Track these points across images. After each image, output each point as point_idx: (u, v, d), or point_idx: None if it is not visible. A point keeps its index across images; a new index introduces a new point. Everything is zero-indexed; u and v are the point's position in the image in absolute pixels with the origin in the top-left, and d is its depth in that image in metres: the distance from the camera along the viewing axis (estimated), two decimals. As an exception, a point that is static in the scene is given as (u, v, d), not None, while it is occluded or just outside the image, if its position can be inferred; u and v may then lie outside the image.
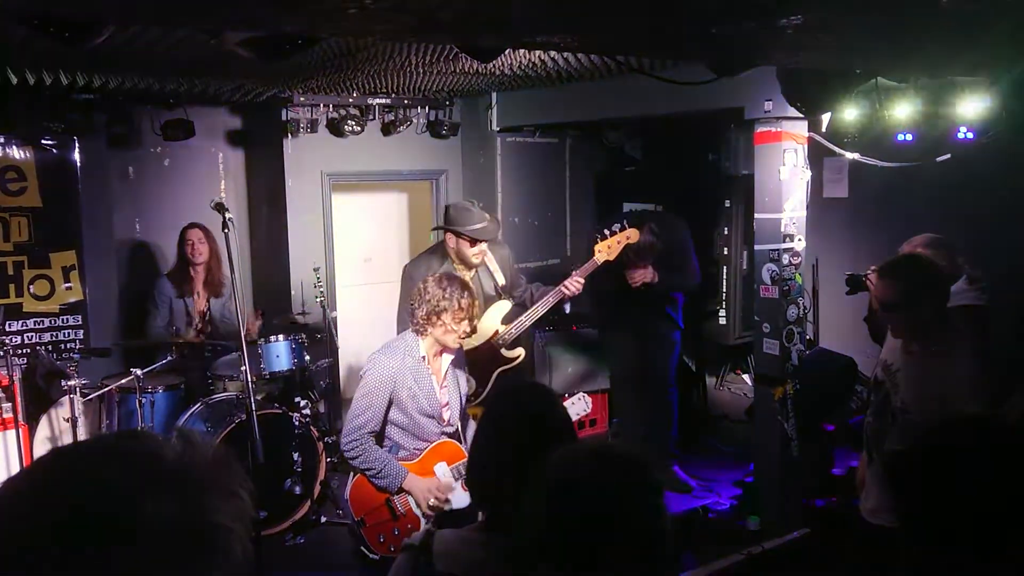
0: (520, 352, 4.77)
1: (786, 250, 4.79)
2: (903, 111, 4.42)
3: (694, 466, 5.80)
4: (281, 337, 5.37)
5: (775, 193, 4.78)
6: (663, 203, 6.52)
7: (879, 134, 4.90)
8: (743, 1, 2.51)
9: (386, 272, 7.34)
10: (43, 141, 5.75)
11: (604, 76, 5.15)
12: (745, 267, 6.32)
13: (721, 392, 7.49)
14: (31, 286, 5.80)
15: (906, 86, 4.32)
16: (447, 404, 3.63)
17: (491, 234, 4.62)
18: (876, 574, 3.05)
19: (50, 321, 5.89)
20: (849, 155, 5.18)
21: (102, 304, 6.07)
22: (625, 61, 4.40)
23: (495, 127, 6.76)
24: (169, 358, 5.16)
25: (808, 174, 4.83)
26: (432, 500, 3.45)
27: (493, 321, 4.70)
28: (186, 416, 4.98)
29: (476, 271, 4.69)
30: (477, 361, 4.55)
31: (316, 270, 5.87)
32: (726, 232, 6.47)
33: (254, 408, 4.09)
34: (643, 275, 5.21)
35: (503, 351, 4.70)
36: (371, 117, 6.47)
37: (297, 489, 5.01)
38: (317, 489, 5.19)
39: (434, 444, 3.58)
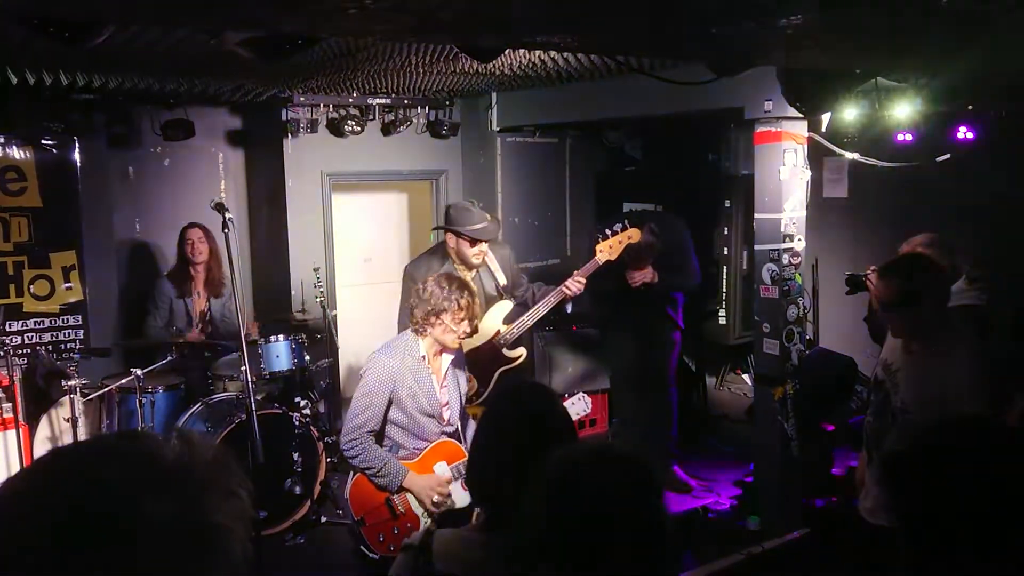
0: (522, 352, 4.77)
1: (786, 250, 4.79)
2: (903, 111, 4.42)
3: (694, 466, 5.80)
4: (281, 337, 5.36)
5: (775, 193, 4.78)
6: (663, 203, 6.52)
7: (879, 134, 4.91)
8: (743, 1, 2.51)
9: (386, 272, 7.34)
10: (43, 141, 5.75)
11: (604, 76, 5.15)
12: (745, 267, 6.32)
13: (721, 392, 7.49)
14: (31, 286, 5.80)
15: (906, 86, 4.32)
16: (447, 404, 3.63)
17: (491, 234, 4.62)
18: (876, 574, 3.05)
19: (50, 321, 5.89)
20: (849, 155, 5.18)
21: (102, 304, 6.07)
22: (625, 61, 4.40)
23: (495, 127, 6.76)
24: (169, 358, 5.16)
25: (808, 174, 4.83)
26: (435, 496, 3.45)
27: (495, 321, 4.70)
28: (186, 416, 4.98)
29: (477, 271, 4.69)
30: (479, 361, 4.55)
31: (316, 270, 5.87)
32: (726, 232, 6.47)
33: (254, 408, 4.09)
34: (643, 275, 5.21)
35: (505, 351, 4.70)
36: (371, 117, 6.47)
37: (297, 489, 5.01)
38: (317, 489, 5.19)
39: (434, 443, 3.58)
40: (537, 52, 4.33)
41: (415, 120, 6.72)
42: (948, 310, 3.22)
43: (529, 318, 4.73)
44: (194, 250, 5.59)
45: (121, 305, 6.15)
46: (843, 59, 3.94)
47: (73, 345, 5.93)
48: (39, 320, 5.85)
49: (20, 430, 4.74)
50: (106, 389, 4.94)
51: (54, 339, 5.91)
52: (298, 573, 4.74)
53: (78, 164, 5.89)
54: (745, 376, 7.41)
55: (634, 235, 4.70)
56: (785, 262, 4.80)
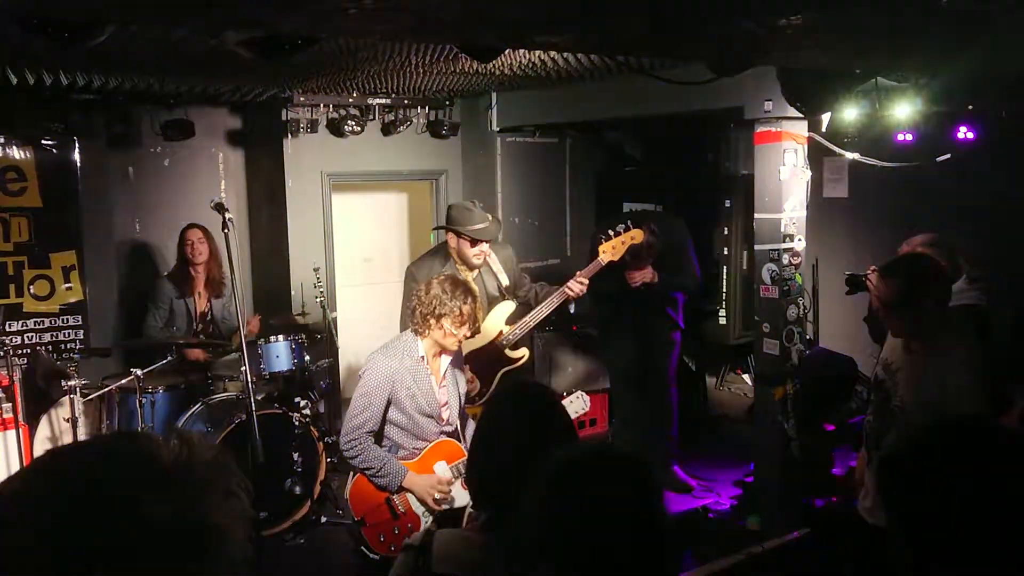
0: (524, 352, 4.77)
1: (786, 250, 4.79)
2: (903, 111, 4.42)
3: (694, 466, 5.79)
4: (281, 337, 5.36)
5: (775, 193, 4.78)
6: (663, 203, 6.52)
7: (879, 134, 4.91)
8: (743, 1, 2.51)
9: (386, 272, 7.34)
10: (43, 141, 5.75)
11: (604, 76, 5.15)
12: (745, 267, 6.32)
13: (721, 392, 7.50)
14: (31, 286, 5.80)
15: (906, 86, 4.32)
16: (446, 403, 3.63)
17: (492, 234, 4.62)
18: (876, 574, 3.05)
19: (50, 321, 5.89)
20: (849, 155, 5.18)
21: (102, 304, 6.07)
22: (625, 61, 4.40)
23: (495, 127, 6.77)
24: (169, 358, 5.16)
25: (808, 174, 4.83)
26: (436, 495, 3.45)
27: (497, 322, 4.70)
28: (186, 416, 4.97)
29: (479, 272, 4.68)
30: (481, 361, 4.55)
31: (316, 270, 5.87)
32: (726, 232, 6.47)
33: (254, 408, 4.09)
34: (643, 275, 5.20)
35: (507, 352, 4.70)
36: (371, 117, 6.48)
37: (297, 489, 5.01)
38: (317, 489, 5.19)
39: (433, 443, 3.58)
40: (537, 52, 4.33)
41: (415, 120, 6.73)
42: (948, 310, 3.21)
43: (532, 319, 4.73)
44: (194, 251, 5.59)
45: (121, 305, 6.15)
46: (843, 59, 3.94)
47: (73, 345, 5.93)
48: (39, 320, 5.85)
49: (20, 430, 4.74)
50: (106, 389, 4.94)
51: (54, 339, 5.91)
52: (298, 573, 4.74)
53: (78, 164, 5.89)
54: (745, 376, 7.42)
55: (637, 236, 4.70)
56: (785, 262, 4.80)
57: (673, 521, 1.53)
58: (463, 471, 3.47)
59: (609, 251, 4.66)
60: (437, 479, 3.49)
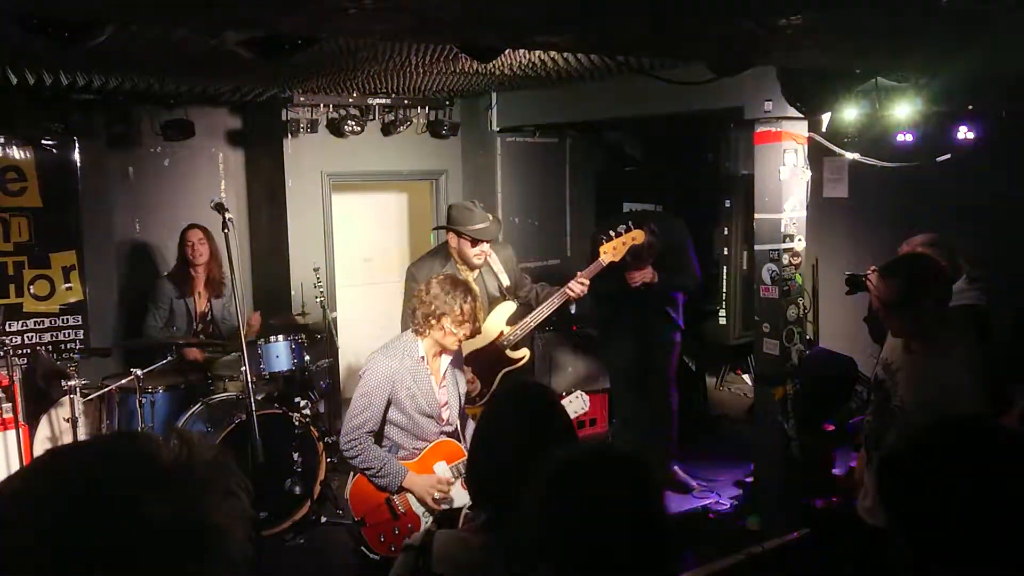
0: (525, 353, 4.77)
1: (786, 250, 4.79)
2: (903, 111, 4.42)
3: (694, 466, 5.80)
4: (281, 337, 5.36)
5: (775, 193, 4.78)
6: (663, 203, 6.52)
7: (879, 134, 4.91)
8: (743, 1, 2.51)
9: (386, 272, 7.34)
10: (43, 141, 5.75)
11: (604, 76, 5.15)
12: (745, 267, 6.32)
13: (721, 392, 7.50)
14: (31, 286, 5.80)
15: (906, 86, 4.32)
16: (446, 403, 3.64)
17: (492, 234, 4.62)
18: (876, 574, 3.05)
19: (50, 321, 5.89)
20: (849, 155, 5.18)
21: (102, 304, 6.07)
22: (625, 61, 4.40)
23: (495, 127, 6.77)
24: (169, 358, 5.16)
25: (808, 174, 4.83)
26: (436, 495, 3.45)
27: (498, 322, 4.69)
28: (186, 416, 4.97)
29: (480, 272, 4.68)
30: (482, 361, 4.55)
31: (316, 270, 5.87)
32: (726, 232, 6.47)
33: (254, 408, 4.08)
34: (643, 275, 5.20)
35: (508, 352, 4.69)
36: (371, 117, 6.47)
37: (297, 489, 5.01)
38: (317, 489, 5.19)
39: (433, 443, 3.58)
40: (537, 52, 4.33)
41: (415, 120, 6.72)
42: (948, 310, 3.21)
43: (532, 319, 4.72)
44: (194, 251, 5.59)
45: (121, 305, 6.15)
46: (843, 59, 3.94)
47: (73, 345, 5.93)
48: (39, 320, 5.85)
49: (20, 430, 4.74)
50: (106, 389, 4.94)
51: (54, 339, 5.91)
52: (298, 573, 4.74)
53: (78, 164, 5.89)
54: (745, 376, 7.42)
55: (638, 236, 4.69)
56: (785, 262, 4.80)
57: (673, 521, 1.53)
58: (463, 471, 3.47)
59: (610, 252, 4.65)
60: (437, 479, 3.50)
